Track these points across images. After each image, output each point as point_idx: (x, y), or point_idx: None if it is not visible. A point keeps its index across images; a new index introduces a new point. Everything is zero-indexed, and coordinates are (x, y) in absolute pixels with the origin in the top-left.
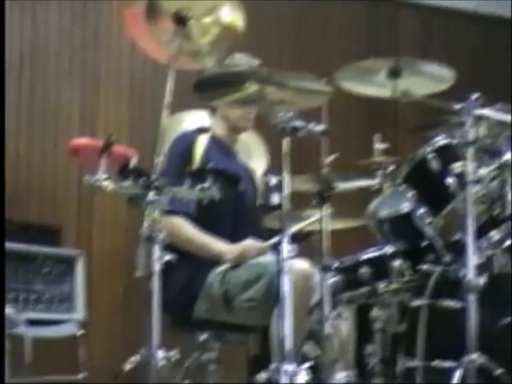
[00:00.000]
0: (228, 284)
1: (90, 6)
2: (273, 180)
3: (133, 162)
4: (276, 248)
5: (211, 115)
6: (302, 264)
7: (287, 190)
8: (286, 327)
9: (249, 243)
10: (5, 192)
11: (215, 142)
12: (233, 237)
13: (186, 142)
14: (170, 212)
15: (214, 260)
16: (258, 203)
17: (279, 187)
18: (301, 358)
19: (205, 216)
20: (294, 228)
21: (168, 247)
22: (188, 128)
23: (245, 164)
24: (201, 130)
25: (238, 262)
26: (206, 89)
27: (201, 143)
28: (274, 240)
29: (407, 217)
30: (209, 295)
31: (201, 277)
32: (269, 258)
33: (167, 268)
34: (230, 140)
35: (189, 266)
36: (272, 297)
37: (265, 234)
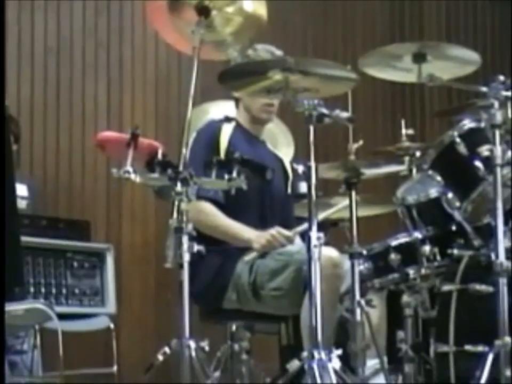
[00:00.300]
0: (256, 273)
1: (113, 0)
2: (301, 168)
3: (160, 154)
4: (303, 235)
5: (236, 106)
6: (331, 252)
7: (314, 178)
8: (316, 314)
9: (277, 230)
10: (34, 189)
11: (240, 131)
12: (261, 226)
13: (212, 130)
14: (199, 198)
15: (243, 249)
16: (288, 191)
17: (306, 175)
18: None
19: (232, 205)
20: (322, 215)
21: (197, 237)
22: (213, 118)
23: (274, 152)
24: (227, 119)
25: (266, 250)
26: (231, 79)
27: (227, 132)
28: (301, 227)
29: (435, 202)
30: (238, 284)
31: (230, 267)
32: (296, 247)
33: (197, 259)
34: (255, 129)
35: (218, 256)
36: (300, 285)
37: (294, 222)
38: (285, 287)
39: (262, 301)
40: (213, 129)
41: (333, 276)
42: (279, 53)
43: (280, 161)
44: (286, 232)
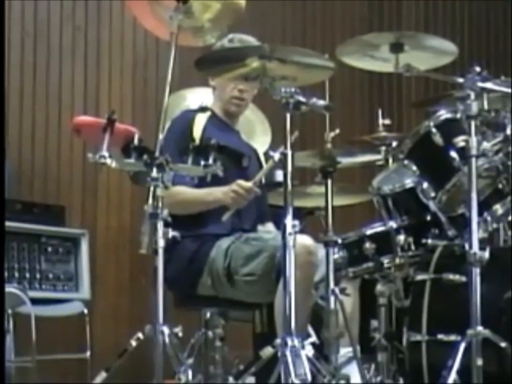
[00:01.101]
0: (231, 257)
1: None
2: (277, 156)
3: (136, 139)
4: (278, 223)
5: (213, 94)
6: (306, 239)
7: (290, 166)
8: (290, 302)
9: (237, 184)
10: (9, 172)
11: (214, 120)
12: (236, 214)
13: (185, 120)
14: (174, 185)
15: (218, 235)
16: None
17: (282, 163)
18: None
19: None
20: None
21: (173, 223)
22: (190, 105)
23: (248, 142)
24: (202, 109)
25: (239, 205)
26: (208, 66)
27: (200, 121)
28: (260, 175)
29: (411, 192)
30: (213, 269)
31: (205, 252)
32: (271, 233)
33: (171, 245)
34: (228, 119)
35: (192, 242)
36: (273, 272)
37: (268, 211)
38: (258, 273)
39: (235, 286)
40: (187, 119)
41: (307, 263)
42: (253, 40)
43: (254, 151)
44: (246, 184)
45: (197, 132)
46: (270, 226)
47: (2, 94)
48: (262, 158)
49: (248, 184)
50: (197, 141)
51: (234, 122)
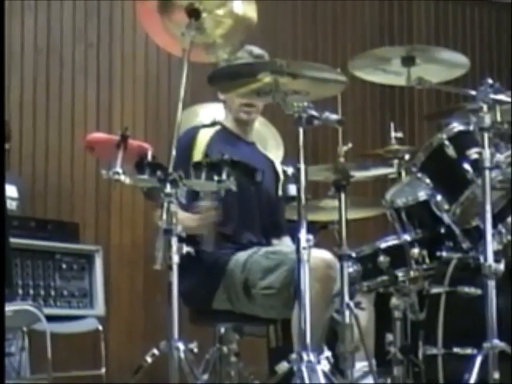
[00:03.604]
0: (249, 271)
1: (103, 1)
2: (290, 170)
3: (150, 155)
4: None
5: (224, 108)
6: (324, 254)
7: (303, 180)
8: (305, 316)
9: (201, 204)
10: (22, 190)
11: (223, 133)
12: (249, 228)
13: (186, 138)
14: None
15: (235, 249)
16: (279, 193)
17: (295, 177)
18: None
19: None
20: None
21: (187, 239)
22: (202, 121)
23: (264, 153)
24: (211, 124)
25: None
26: (221, 81)
27: (204, 137)
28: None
29: (424, 205)
30: (230, 283)
31: (222, 266)
32: (290, 247)
33: (186, 261)
34: (241, 131)
35: (208, 257)
36: (291, 285)
37: (285, 225)
38: (276, 286)
39: (252, 300)
40: (188, 136)
41: (326, 277)
42: (264, 53)
43: (271, 162)
44: (206, 204)
45: (200, 148)
46: (286, 240)
47: (2, 94)
48: (279, 169)
49: (208, 203)
50: (199, 157)
51: (248, 134)
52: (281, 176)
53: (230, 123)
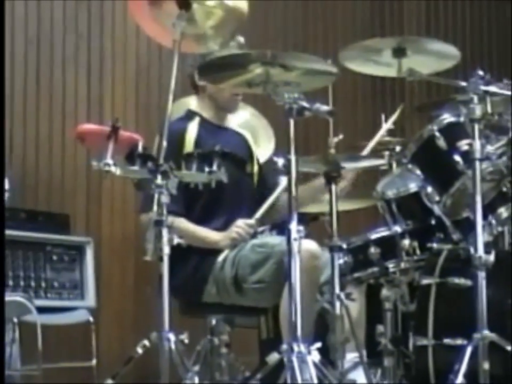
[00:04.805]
0: (237, 266)
1: None
2: (281, 162)
3: (140, 147)
4: (283, 228)
5: (198, 97)
6: (310, 244)
7: (294, 171)
8: (295, 308)
9: (241, 222)
10: (13, 181)
11: (204, 126)
12: (235, 217)
13: (176, 134)
14: None
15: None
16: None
17: (286, 168)
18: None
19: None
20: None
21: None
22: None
23: (239, 131)
24: (189, 115)
25: (236, 244)
26: (211, 72)
27: (192, 132)
28: (260, 212)
29: (415, 196)
30: (219, 278)
31: (211, 260)
32: (277, 239)
33: (177, 253)
34: (218, 118)
35: (198, 250)
36: (282, 277)
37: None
38: (267, 280)
39: (244, 294)
40: (177, 132)
41: (312, 268)
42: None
43: (243, 136)
44: (249, 221)
45: (190, 142)
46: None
47: (2, 97)
48: (251, 143)
49: (250, 221)
50: (190, 148)
51: (224, 120)
52: (253, 150)
53: (207, 112)
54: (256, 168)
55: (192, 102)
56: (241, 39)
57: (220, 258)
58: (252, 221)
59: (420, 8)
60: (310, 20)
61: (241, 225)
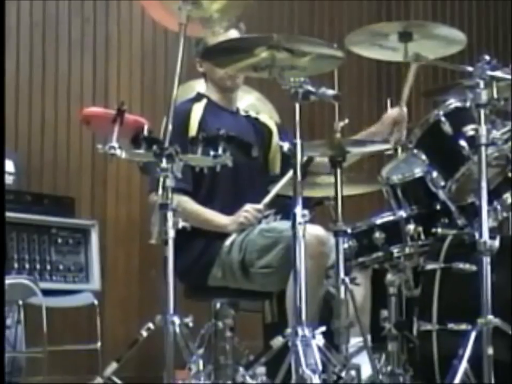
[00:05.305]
0: (245, 251)
1: None
2: (286, 146)
3: (146, 130)
4: (289, 213)
5: (205, 80)
6: (317, 230)
7: (299, 155)
8: (300, 291)
9: (249, 207)
10: (18, 164)
11: (211, 107)
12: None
13: (181, 115)
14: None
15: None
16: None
17: (292, 153)
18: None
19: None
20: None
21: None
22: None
23: (248, 115)
24: (198, 97)
25: (243, 228)
26: (216, 56)
27: (197, 112)
28: (269, 198)
29: (420, 181)
30: (226, 262)
31: (217, 244)
32: (285, 224)
33: (182, 236)
34: (224, 100)
35: (204, 233)
36: (289, 262)
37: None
38: (275, 265)
39: (250, 279)
40: (182, 112)
41: (319, 253)
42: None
43: (256, 124)
44: (256, 206)
45: (193, 125)
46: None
47: (3, 91)
48: (267, 121)
49: (258, 206)
50: (194, 133)
51: (232, 102)
52: (273, 127)
53: (214, 95)
54: (277, 154)
55: (200, 86)
56: (242, 25)
57: (227, 242)
58: (260, 206)
59: None
60: (316, 4)
61: (249, 209)
